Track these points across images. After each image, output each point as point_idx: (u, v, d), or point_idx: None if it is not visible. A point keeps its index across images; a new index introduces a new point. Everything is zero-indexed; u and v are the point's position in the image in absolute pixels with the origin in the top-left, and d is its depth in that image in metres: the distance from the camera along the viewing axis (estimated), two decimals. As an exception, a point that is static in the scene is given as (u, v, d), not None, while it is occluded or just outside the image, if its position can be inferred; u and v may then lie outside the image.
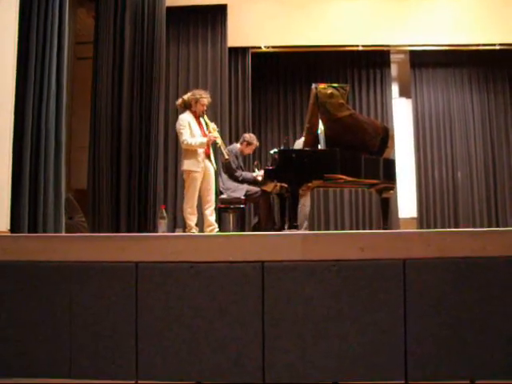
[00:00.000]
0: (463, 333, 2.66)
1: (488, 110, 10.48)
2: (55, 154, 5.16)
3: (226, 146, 6.77)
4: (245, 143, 6.98)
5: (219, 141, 6.03)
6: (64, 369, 2.75)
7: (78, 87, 7.67)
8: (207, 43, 9.42)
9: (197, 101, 6.00)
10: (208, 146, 5.96)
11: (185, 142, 5.81)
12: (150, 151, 7.20)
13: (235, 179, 6.68)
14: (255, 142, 7.07)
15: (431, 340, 2.66)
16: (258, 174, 6.69)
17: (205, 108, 6.07)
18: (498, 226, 9.90)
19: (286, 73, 10.83)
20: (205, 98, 6.05)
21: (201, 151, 5.87)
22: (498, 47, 9.91)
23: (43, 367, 2.77)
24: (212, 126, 6.03)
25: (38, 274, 2.81)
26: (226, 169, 6.69)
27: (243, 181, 6.69)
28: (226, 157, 6.14)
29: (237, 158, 6.81)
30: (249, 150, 7.11)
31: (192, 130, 5.89)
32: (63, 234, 5.13)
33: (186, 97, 6.12)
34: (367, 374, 2.64)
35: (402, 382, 2.64)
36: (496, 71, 10.51)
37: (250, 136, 7.11)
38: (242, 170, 6.91)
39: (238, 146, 7.03)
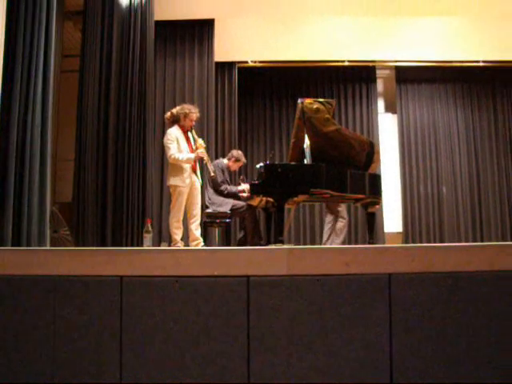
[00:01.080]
0: (448, 347, 2.67)
1: (472, 126, 10.62)
2: (40, 166, 5.13)
3: (212, 162, 6.78)
4: (233, 159, 7.00)
5: (206, 158, 6.02)
6: (47, 382, 2.72)
7: (64, 100, 7.65)
8: (194, 58, 9.44)
9: (186, 115, 5.98)
10: (195, 161, 5.96)
11: (172, 157, 5.79)
12: (137, 165, 7.18)
13: (220, 193, 6.68)
14: (243, 160, 7.10)
15: (417, 354, 2.66)
16: (243, 187, 6.70)
17: (193, 123, 6.06)
18: (482, 241, 9.98)
19: (273, 87, 10.89)
20: (194, 113, 6.04)
21: (187, 166, 5.86)
22: (481, 64, 10.08)
23: (26, 381, 2.73)
24: (199, 141, 6.02)
25: (21, 288, 2.78)
26: (212, 181, 6.69)
27: (228, 195, 6.69)
28: (212, 174, 6.15)
29: (223, 172, 6.81)
30: (236, 167, 7.14)
31: (180, 145, 5.88)
32: (48, 247, 5.09)
33: (174, 111, 6.10)
34: (352, 388, 2.64)
35: (388, 396, 2.64)
36: (480, 87, 10.67)
37: (238, 153, 7.13)
38: (229, 185, 6.91)
39: (225, 161, 7.03)
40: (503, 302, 2.70)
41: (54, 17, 5.41)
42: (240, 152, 7.23)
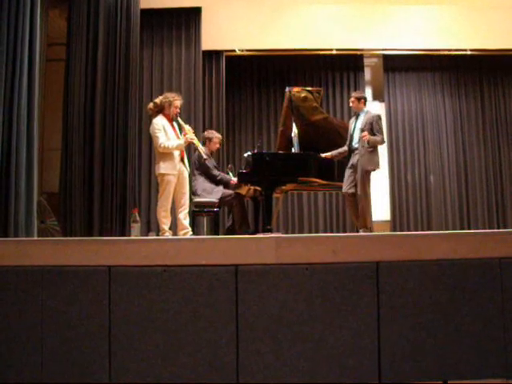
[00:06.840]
0: (436, 334, 2.69)
1: (460, 114, 10.64)
2: (27, 156, 5.08)
3: (195, 153, 6.78)
4: (207, 141, 6.96)
5: (196, 141, 6.00)
6: (35, 374, 2.71)
7: (50, 89, 7.57)
8: (181, 46, 9.38)
9: (170, 103, 5.93)
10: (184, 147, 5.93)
11: (162, 145, 5.73)
12: (124, 154, 7.14)
13: (212, 178, 6.64)
14: (216, 135, 7.04)
15: (404, 341, 2.68)
16: (235, 180, 6.67)
17: (178, 110, 6.02)
18: (469, 229, 10.03)
19: (260, 76, 10.85)
20: (177, 99, 5.99)
21: (177, 154, 5.82)
22: (469, 52, 10.10)
23: (14, 372, 2.72)
24: (187, 127, 5.99)
25: (8, 279, 2.76)
26: (202, 168, 6.65)
27: (221, 181, 6.67)
28: (205, 156, 6.14)
29: (209, 158, 6.80)
30: (214, 145, 7.04)
31: (167, 133, 5.84)
32: (35, 238, 5.06)
33: (158, 100, 6.04)
34: (342, 375, 2.65)
35: (376, 383, 2.66)
36: (467, 76, 10.68)
37: (207, 132, 7.12)
38: (218, 170, 6.91)
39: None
40: (489, 289, 2.73)
41: (39, 5, 5.34)
42: (209, 130, 7.27)
